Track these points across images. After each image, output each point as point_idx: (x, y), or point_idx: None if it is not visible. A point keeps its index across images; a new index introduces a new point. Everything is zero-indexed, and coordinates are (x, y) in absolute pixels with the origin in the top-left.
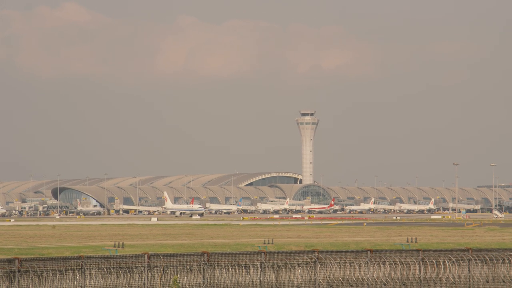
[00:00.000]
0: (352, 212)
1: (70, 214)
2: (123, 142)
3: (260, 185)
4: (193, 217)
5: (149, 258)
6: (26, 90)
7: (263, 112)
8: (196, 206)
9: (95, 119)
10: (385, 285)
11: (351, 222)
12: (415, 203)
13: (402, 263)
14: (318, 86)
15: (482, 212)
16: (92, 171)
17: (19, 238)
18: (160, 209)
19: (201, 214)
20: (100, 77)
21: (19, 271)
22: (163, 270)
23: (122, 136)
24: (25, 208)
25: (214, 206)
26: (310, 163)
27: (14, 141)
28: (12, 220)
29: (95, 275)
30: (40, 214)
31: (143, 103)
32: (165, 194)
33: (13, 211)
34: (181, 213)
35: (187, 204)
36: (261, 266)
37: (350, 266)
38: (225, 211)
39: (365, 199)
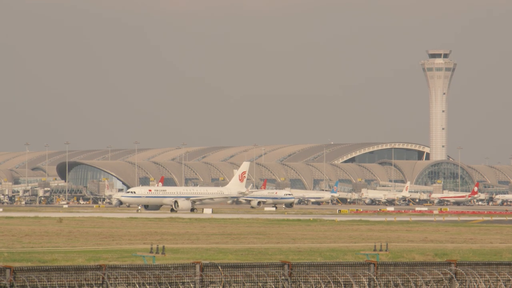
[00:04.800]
0: (506, 203)
1: (85, 202)
2: (160, 98)
3: (365, 162)
4: (267, 208)
5: (202, 269)
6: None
7: (369, 52)
8: (282, 192)
9: (117, 66)
10: None
11: (504, 218)
12: None
13: None
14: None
15: None
16: (116, 139)
17: (10, 236)
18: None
19: (289, 205)
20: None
21: (11, 286)
22: None
23: (158, 90)
24: (18, 192)
25: (297, 193)
26: (443, 129)
27: (3, 95)
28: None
29: None
30: (40, 201)
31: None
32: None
33: (1, 196)
34: (259, 203)
35: (257, 188)
36: (369, 285)
37: (505, 286)
38: (313, 200)
39: None
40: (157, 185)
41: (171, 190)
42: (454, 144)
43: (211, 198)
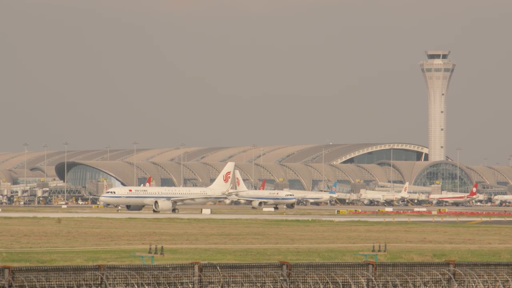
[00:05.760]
0: (505, 204)
1: (83, 202)
2: (159, 98)
3: (364, 162)
4: (265, 209)
5: (200, 270)
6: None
7: (368, 52)
8: (284, 193)
9: (117, 67)
10: None
11: (503, 219)
12: None
13: None
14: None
15: None
16: (115, 139)
17: (9, 236)
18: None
19: (291, 205)
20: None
21: (10, 286)
22: None
23: (157, 91)
24: (16, 192)
25: (298, 193)
26: (441, 130)
27: (1, 95)
28: None
29: None
30: (39, 202)
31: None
32: (238, 174)
33: None
34: (260, 203)
35: (256, 189)
36: (368, 285)
37: (504, 287)
38: (312, 200)
39: None
40: (144, 185)
41: (152, 190)
42: (452, 145)
43: (192, 199)
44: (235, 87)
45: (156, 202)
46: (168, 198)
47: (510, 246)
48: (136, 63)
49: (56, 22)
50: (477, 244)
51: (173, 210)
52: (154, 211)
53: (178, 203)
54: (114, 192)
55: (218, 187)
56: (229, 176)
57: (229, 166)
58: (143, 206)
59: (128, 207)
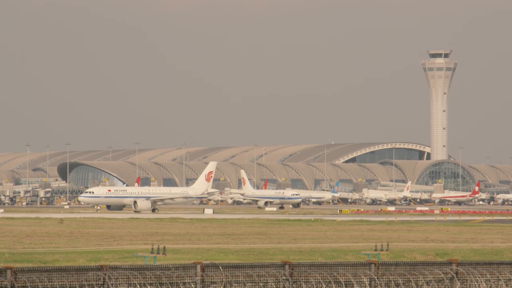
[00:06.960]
0: (507, 203)
1: None
2: (161, 99)
3: (366, 162)
4: (268, 209)
5: (203, 270)
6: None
7: (370, 52)
8: (289, 192)
9: (118, 67)
10: None
11: (505, 218)
12: None
13: None
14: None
15: None
16: (117, 140)
17: (11, 237)
18: (234, 195)
19: (297, 205)
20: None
21: (12, 286)
22: None
23: (158, 91)
24: (19, 192)
25: (303, 193)
26: (444, 129)
27: (3, 96)
28: (1, 210)
29: None
30: (41, 202)
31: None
32: (243, 174)
33: (2, 197)
34: (266, 203)
35: (258, 188)
36: (370, 284)
37: (506, 285)
38: (314, 200)
39: None
40: (134, 186)
41: (131, 190)
42: (455, 144)
43: (172, 198)
44: (237, 87)
45: (135, 202)
46: (148, 198)
47: None
48: (137, 64)
49: (56, 23)
50: (480, 243)
51: (153, 210)
52: (134, 211)
53: (158, 203)
54: (93, 192)
55: (200, 187)
56: (211, 176)
57: (211, 166)
58: (124, 206)
59: (109, 207)
